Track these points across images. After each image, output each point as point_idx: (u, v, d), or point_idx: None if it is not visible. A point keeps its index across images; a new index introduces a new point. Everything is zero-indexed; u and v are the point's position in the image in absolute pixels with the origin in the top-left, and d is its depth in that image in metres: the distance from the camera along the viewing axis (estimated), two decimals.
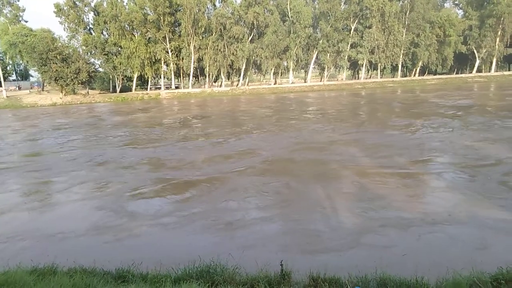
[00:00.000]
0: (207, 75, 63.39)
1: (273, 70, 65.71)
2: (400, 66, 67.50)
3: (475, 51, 67.96)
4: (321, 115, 28.70)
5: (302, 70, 75.18)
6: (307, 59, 65.46)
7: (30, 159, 17.56)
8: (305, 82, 69.07)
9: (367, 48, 62.05)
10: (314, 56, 64.38)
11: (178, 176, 12.94)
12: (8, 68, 65.58)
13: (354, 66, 70.00)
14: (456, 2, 71.21)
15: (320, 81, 69.01)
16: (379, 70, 68.55)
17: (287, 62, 64.73)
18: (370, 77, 74.16)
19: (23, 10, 65.27)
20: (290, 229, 8.16)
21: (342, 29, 63.30)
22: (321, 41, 62.27)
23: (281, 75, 72.09)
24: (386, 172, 12.01)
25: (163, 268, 5.85)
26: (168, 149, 17.86)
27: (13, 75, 71.61)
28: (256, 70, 73.51)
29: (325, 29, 60.88)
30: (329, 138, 18.60)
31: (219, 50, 59.31)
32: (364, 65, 66.08)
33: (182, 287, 5.03)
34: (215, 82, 69.03)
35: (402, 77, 69.16)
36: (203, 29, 58.44)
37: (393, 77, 71.22)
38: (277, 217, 8.85)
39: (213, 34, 58.77)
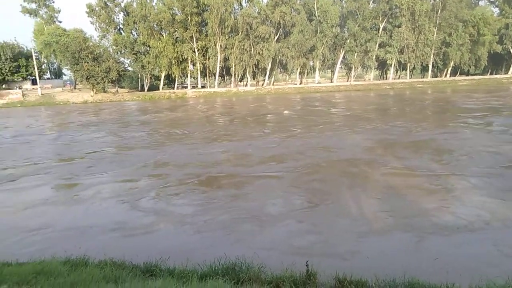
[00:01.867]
0: (232, 74, 63.77)
1: (299, 70, 65.32)
2: (430, 66, 65.52)
3: (511, 50, 65.04)
4: (356, 115, 28.19)
5: (329, 70, 74.30)
6: (333, 58, 64.64)
7: (68, 155, 18.15)
8: (331, 82, 68.26)
9: (396, 47, 60.57)
10: (341, 55, 63.50)
11: (215, 172, 13.03)
12: (43, 67, 68.21)
13: (382, 66, 68.52)
14: (491, 0, 68.37)
15: (347, 81, 68.02)
16: (408, 70, 66.73)
17: (313, 62, 64.15)
18: (398, 77, 72.43)
19: (58, 11, 67.90)
20: (317, 230, 8.02)
21: (370, 28, 62.08)
22: (348, 41, 61.36)
23: (307, 74, 71.55)
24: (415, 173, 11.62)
25: (190, 264, 5.90)
26: (191, 148, 18.01)
27: (47, 74, 74.47)
28: (281, 69, 73.30)
29: (352, 28, 59.94)
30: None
31: (245, 49, 59.54)
32: (392, 65, 64.54)
33: (208, 284, 5.02)
34: (240, 81, 69.33)
35: (432, 77, 67.11)
36: (229, 28, 58.83)
37: (423, 77, 69.25)
38: (305, 218, 8.72)
39: (239, 34, 59.05)
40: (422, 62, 63.64)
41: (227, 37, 60.00)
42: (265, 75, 65.42)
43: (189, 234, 8.13)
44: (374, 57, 62.37)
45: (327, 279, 5.33)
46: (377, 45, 61.76)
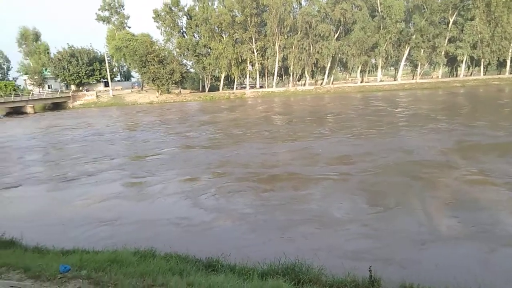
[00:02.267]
0: (291, 74, 63.54)
1: (360, 68, 63.21)
2: (508, 61, 59.55)
3: None
4: (424, 115, 26.62)
5: (392, 68, 70.99)
6: (397, 55, 61.46)
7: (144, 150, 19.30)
8: (394, 80, 65.05)
9: (468, 42, 55.96)
10: (406, 52, 60.17)
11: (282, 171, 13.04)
12: (114, 70, 73.32)
13: (452, 62, 63.74)
14: None
15: (412, 79, 64.34)
16: (482, 67, 61.32)
17: (375, 59, 61.58)
18: (470, 74, 67.00)
19: (128, 18, 72.66)
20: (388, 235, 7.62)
21: (439, 22, 58.02)
22: (414, 36, 57.95)
23: (368, 73, 68.93)
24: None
25: (250, 261, 5.94)
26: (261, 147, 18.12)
27: (118, 76, 79.97)
28: (341, 68, 71.51)
29: (419, 23, 56.51)
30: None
31: (304, 48, 58.98)
32: (464, 61, 59.82)
33: (269, 282, 5.00)
34: (298, 81, 68.83)
35: (510, 73, 61.00)
36: (288, 28, 58.70)
37: (499, 74, 63.28)
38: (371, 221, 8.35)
39: (298, 33, 58.65)
40: (498, 57, 58.03)
41: (285, 37, 59.91)
42: (324, 74, 64.25)
43: (248, 232, 8.22)
44: (443, 53, 58.23)
45: (392, 287, 5.10)
46: (446, 40, 57.59)
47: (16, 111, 52.77)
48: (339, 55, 60.12)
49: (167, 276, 4.86)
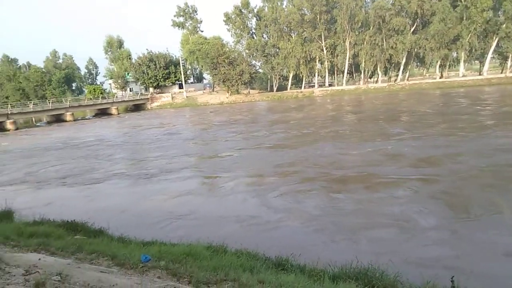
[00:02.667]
0: (362, 71, 61.25)
1: (439, 63, 58.62)
2: None
3: None
4: None
5: (476, 61, 64.71)
6: (483, 48, 55.67)
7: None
8: (479, 74, 59.20)
9: None
10: (494, 44, 54.32)
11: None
12: (188, 72, 77.14)
13: None
14: None
15: (501, 72, 57.94)
16: None
17: (457, 53, 56.64)
18: None
19: (201, 22, 75.97)
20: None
21: None
22: (504, 26, 52.04)
23: (448, 67, 63.59)
24: None
25: (320, 263, 5.79)
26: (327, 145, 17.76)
27: (191, 78, 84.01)
28: (418, 63, 67.09)
29: (510, 10, 50.67)
30: None
31: (377, 44, 56.38)
32: None
33: (340, 286, 4.82)
34: (370, 78, 66.06)
35: None
36: (359, 24, 56.70)
37: None
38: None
39: (371, 28, 56.30)
40: None
41: (356, 33, 57.95)
42: (399, 70, 60.75)
43: (317, 233, 8.08)
44: None
45: None
46: None
47: (102, 112, 58.15)
48: (415, 50, 56.38)
49: (238, 272, 4.92)
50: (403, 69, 60.10)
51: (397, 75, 62.30)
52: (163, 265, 4.65)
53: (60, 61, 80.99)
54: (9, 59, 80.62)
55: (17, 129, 44.32)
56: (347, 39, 58.14)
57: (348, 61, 59.88)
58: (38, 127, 48.97)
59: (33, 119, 55.90)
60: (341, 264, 5.59)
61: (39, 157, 22.02)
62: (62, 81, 71.19)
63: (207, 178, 13.98)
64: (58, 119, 51.81)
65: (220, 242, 6.64)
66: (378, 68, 60.41)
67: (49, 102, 53.41)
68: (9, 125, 43.96)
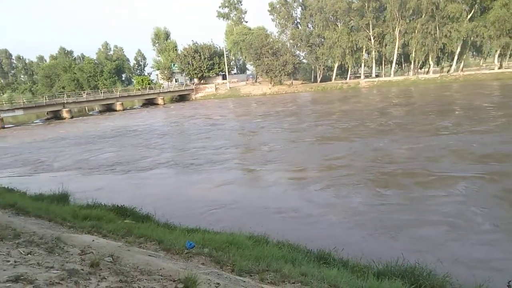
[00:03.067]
0: (412, 61, 58.37)
1: (498, 52, 54.45)
2: None
3: None
4: None
5: None
6: None
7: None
8: None
9: None
10: None
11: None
12: (231, 63, 77.82)
13: None
14: None
15: None
16: None
17: None
18: None
19: (245, 13, 76.08)
20: None
21: None
22: None
23: (510, 57, 58.80)
24: None
25: (364, 259, 5.71)
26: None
27: (234, 69, 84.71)
28: (474, 52, 62.82)
29: None
30: None
31: (429, 32, 53.28)
32: None
33: (386, 283, 4.67)
34: (421, 68, 62.82)
35: None
36: (410, 11, 53.83)
37: None
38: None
39: (423, 16, 53.30)
40: None
41: (407, 21, 55.14)
42: (453, 60, 57.20)
43: (360, 229, 7.91)
44: None
45: None
46: None
47: (149, 102, 60.34)
48: (471, 38, 52.67)
49: (280, 263, 4.92)
50: (458, 59, 56.42)
51: (450, 66, 58.73)
52: (206, 252, 4.75)
53: (111, 52, 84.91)
54: (65, 51, 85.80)
55: (72, 117, 47.24)
56: (396, 28, 55.58)
57: (397, 50, 57.31)
58: (91, 115, 51.85)
59: (86, 108, 59.26)
60: (386, 261, 5.41)
61: (91, 144, 23.34)
62: (113, 72, 74.53)
63: (250, 169, 14.10)
64: (109, 109, 54.54)
65: (261, 232, 6.68)
66: (430, 58, 57.25)
67: (101, 92, 56.35)
68: (65, 113, 46.96)
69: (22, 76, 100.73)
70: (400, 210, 8.61)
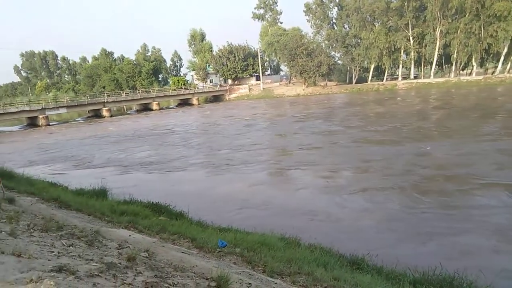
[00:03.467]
0: (453, 62, 55.93)
1: None
2: None
3: None
4: None
5: None
6: None
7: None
8: None
9: None
10: None
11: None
12: (265, 64, 77.93)
13: None
14: None
15: None
16: None
17: None
18: None
19: (280, 13, 75.98)
20: None
21: None
22: None
23: None
24: None
25: (399, 266, 5.53)
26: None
27: (268, 70, 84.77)
28: None
29: None
30: None
31: (473, 32, 50.82)
32: None
33: None
34: (462, 70, 60.07)
35: None
36: (453, 10, 51.62)
37: None
38: None
39: (467, 15, 50.93)
40: None
41: (449, 21, 52.94)
42: (498, 61, 54.24)
43: (394, 235, 7.70)
44: None
45: None
46: None
47: (184, 102, 61.62)
48: None
49: (312, 266, 4.86)
50: (504, 60, 53.44)
51: (495, 67, 55.76)
52: (238, 252, 4.77)
53: (149, 54, 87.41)
54: (106, 52, 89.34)
55: (111, 116, 49.11)
56: (437, 28, 53.49)
57: (438, 51, 55.13)
58: (129, 114, 53.67)
59: (124, 107, 61.42)
60: (423, 269, 5.21)
61: (129, 142, 24.16)
62: (150, 72, 76.76)
63: (284, 170, 14.04)
64: (145, 108, 56.23)
65: (293, 234, 6.63)
66: (473, 59, 54.60)
67: (139, 92, 58.22)
68: (105, 112, 48.92)
69: (66, 76, 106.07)
70: (440, 217, 8.26)
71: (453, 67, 57.26)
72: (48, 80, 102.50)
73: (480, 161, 12.55)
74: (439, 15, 52.35)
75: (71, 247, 3.04)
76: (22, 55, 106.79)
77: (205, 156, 17.88)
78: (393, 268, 5.47)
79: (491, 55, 55.50)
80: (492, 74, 54.45)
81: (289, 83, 70.65)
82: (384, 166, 12.97)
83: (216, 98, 66.11)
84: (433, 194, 9.93)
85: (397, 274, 5.22)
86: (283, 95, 61.20)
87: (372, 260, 5.76)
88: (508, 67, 54.46)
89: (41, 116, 42.00)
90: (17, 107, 42.45)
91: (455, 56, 54.14)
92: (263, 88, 66.07)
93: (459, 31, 51.95)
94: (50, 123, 43.44)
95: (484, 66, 59.56)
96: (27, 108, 42.73)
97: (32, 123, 43.09)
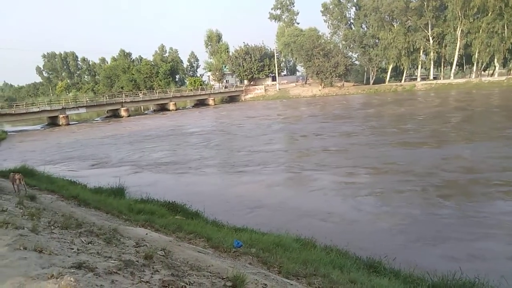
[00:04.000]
0: (475, 63, 54.59)
1: None
2: None
3: None
4: None
5: None
6: None
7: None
8: None
9: None
10: None
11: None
12: (281, 65, 77.82)
13: None
14: None
15: None
16: None
17: None
18: None
19: (297, 14, 75.79)
20: None
21: None
22: None
23: None
24: None
25: (417, 270, 5.42)
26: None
27: (284, 71, 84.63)
28: None
29: None
30: None
31: (495, 32, 49.44)
32: None
33: None
34: (484, 70, 58.58)
35: None
36: (475, 9, 50.35)
37: None
38: None
39: (489, 14, 49.63)
40: None
41: (470, 20, 51.69)
42: None
43: (412, 239, 7.55)
44: None
45: None
46: None
47: (201, 103, 62.05)
48: None
49: (328, 268, 4.82)
50: None
51: None
52: (254, 252, 4.76)
53: (167, 54, 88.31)
54: (125, 53, 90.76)
55: (129, 116, 49.85)
56: (458, 27, 52.32)
57: (458, 51, 53.90)
58: (146, 114, 54.38)
59: (142, 107, 62.26)
60: (442, 273, 5.08)
61: (146, 142, 24.49)
62: (168, 73, 77.52)
63: (300, 172, 13.95)
64: (162, 108, 56.86)
65: (309, 236, 6.58)
66: (496, 60, 53.16)
67: (156, 93, 58.91)
68: (123, 112, 49.72)
69: (86, 77, 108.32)
70: (461, 222, 8.08)
71: (474, 67, 55.87)
72: (68, 81, 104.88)
73: (504, 164, 12.21)
74: (460, 14, 51.20)
75: (90, 244, 3.09)
76: (44, 56, 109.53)
77: (222, 156, 18.00)
78: (411, 272, 5.36)
79: None
80: None
81: (305, 83, 70.32)
82: (402, 168, 12.77)
83: (232, 99, 66.32)
84: (456, 198, 9.73)
85: (415, 278, 5.13)
86: (299, 96, 60.92)
87: (389, 263, 5.67)
88: None
89: (61, 116, 43.02)
90: (38, 107, 43.53)
91: (476, 56, 52.80)
92: (279, 89, 65.94)
93: (481, 31, 50.67)
94: (70, 123, 44.42)
95: (507, 66, 57.92)
96: (48, 108, 43.84)
97: (53, 122, 44.16)
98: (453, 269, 5.14)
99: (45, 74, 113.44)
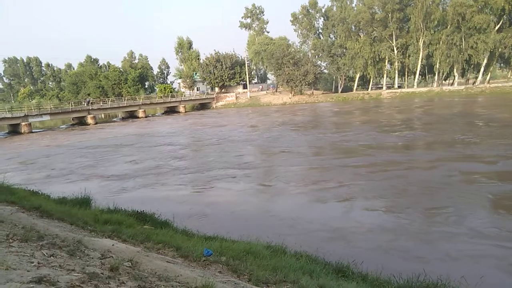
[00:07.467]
0: (436, 72, 57.31)
1: None
2: None
3: None
4: None
5: None
6: None
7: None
8: None
9: None
10: None
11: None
12: (252, 73, 78.30)
13: None
14: None
15: None
16: None
17: None
18: None
19: (267, 23, 76.78)
20: None
21: None
22: None
23: None
24: None
25: (384, 273, 5.53)
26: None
27: (255, 79, 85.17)
28: (502, 64, 61.15)
29: None
30: None
31: (454, 44, 52.33)
32: None
33: None
34: (445, 80, 61.57)
35: None
36: (435, 22, 53.12)
37: None
38: None
39: (448, 27, 52.47)
40: None
41: (432, 32, 54.43)
42: (478, 71, 55.83)
43: (380, 242, 7.64)
44: None
45: None
46: None
47: (171, 110, 61.27)
48: (499, 50, 51.39)
49: (298, 274, 4.84)
50: (484, 70, 55.10)
51: (476, 77, 57.39)
52: (224, 261, 4.73)
53: (136, 61, 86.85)
54: (92, 59, 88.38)
55: (96, 123, 48.41)
56: (420, 39, 54.90)
57: (421, 61, 56.46)
58: (114, 122, 52.98)
59: (110, 115, 60.64)
60: (407, 276, 5.24)
61: (114, 151, 23.83)
62: (137, 80, 76.05)
63: (264, 184, 14.03)
64: (131, 115, 55.66)
65: (279, 242, 6.60)
66: (455, 70, 56.10)
67: (124, 100, 57.64)
68: (89, 119, 48.25)
69: (50, 83, 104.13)
70: (444, 232, 8.36)
71: (436, 77, 58.71)
72: (31, 87, 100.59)
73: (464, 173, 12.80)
74: (422, 26, 53.77)
75: (52, 257, 2.97)
76: (4, 61, 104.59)
77: (188, 164, 17.77)
78: (378, 275, 5.48)
79: (472, 66, 57.12)
80: (473, 84, 56.01)
81: (276, 91, 71.09)
82: (380, 176, 13.12)
83: (203, 106, 65.96)
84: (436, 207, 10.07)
85: (382, 281, 5.24)
86: (270, 104, 61.48)
87: (357, 268, 5.77)
88: (488, 77, 56.17)
89: (23, 123, 41.19)
90: None
91: (437, 66, 55.52)
92: (250, 97, 66.27)
93: (441, 42, 53.44)
94: (33, 130, 42.59)
95: (465, 76, 61.20)
96: (9, 115, 41.82)
97: (14, 130, 42.20)
98: (417, 271, 5.28)
99: (6, 80, 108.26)
